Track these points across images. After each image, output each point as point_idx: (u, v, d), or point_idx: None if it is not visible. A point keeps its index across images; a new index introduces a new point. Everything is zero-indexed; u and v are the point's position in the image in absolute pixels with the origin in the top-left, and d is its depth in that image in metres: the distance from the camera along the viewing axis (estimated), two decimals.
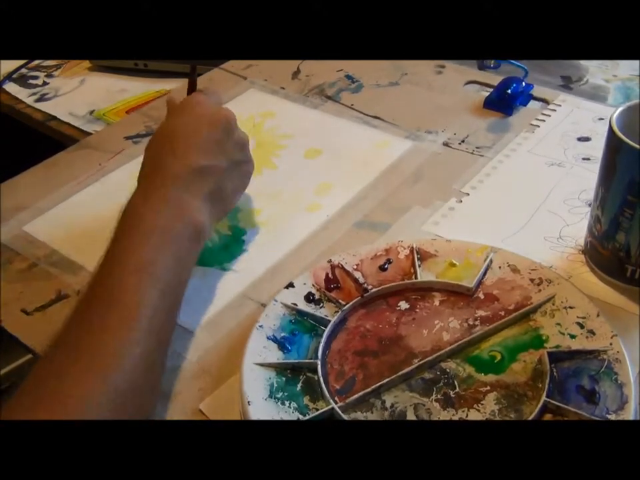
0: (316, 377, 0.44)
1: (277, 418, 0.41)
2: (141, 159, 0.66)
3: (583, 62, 0.78)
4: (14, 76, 0.87)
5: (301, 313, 0.48)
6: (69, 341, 0.40)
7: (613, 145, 0.46)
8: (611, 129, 0.46)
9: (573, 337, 0.44)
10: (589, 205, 0.54)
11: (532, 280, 0.48)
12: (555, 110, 0.69)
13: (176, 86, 0.81)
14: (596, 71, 0.76)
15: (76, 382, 0.37)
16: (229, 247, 0.56)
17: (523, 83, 0.70)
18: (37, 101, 0.82)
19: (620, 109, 0.47)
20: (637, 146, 0.44)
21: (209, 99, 0.55)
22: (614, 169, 0.46)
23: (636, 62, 0.76)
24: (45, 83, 0.85)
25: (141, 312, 0.41)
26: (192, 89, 0.59)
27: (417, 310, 0.48)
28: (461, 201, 0.59)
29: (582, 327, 0.45)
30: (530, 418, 0.40)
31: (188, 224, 0.47)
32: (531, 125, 0.67)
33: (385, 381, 0.43)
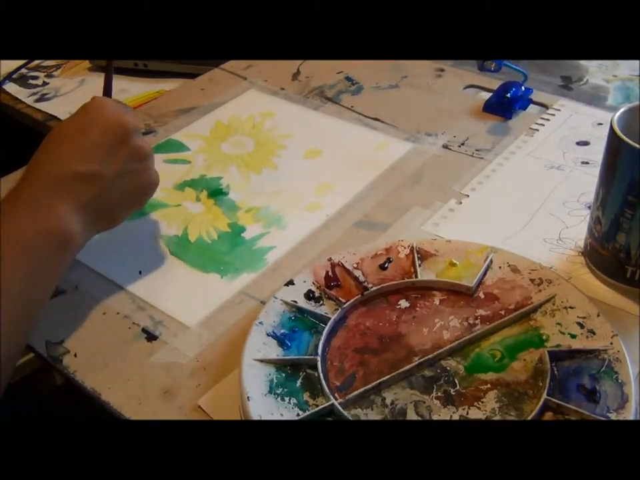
0: (316, 374, 0.43)
1: (277, 414, 0.41)
2: None
3: (583, 62, 0.79)
4: (14, 76, 0.87)
5: (300, 310, 0.48)
6: None
7: (614, 145, 0.46)
8: (612, 130, 0.46)
9: (573, 336, 0.44)
10: (588, 207, 0.55)
11: (532, 280, 0.48)
12: (554, 114, 0.69)
13: (176, 86, 0.81)
14: (596, 71, 0.77)
15: None
16: (229, 244, 0.56)
17: (523, 87, 0.70)
18: (37, 101, 0.82)
19: (621, 111, 0.47)
20: (638, 146, 0.44)
21: (114, 103, 0.51)
22: (614, 169, 0.46)
23: (636, 62, 0.76)
24: (45, 83, 0.85)
25: None
26: (106, 90, 0.56)
27: (417, 308, 0.48)
28: (461, 203, 0.59)
29: (582, 326, 0.45)
30: (530, 416, 0.40)
31: (52, 236, 0.44)
32: (531, 128, 0.67)
33: (385, 377, 0.43)
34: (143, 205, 0.52)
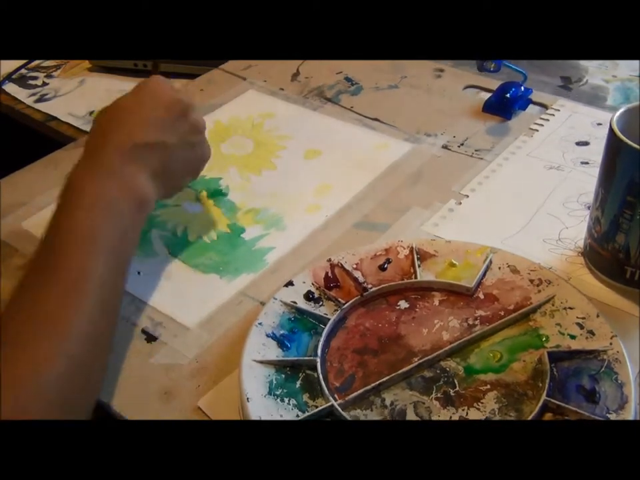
0: (315, 375, 0.43)
1: (276, 415, 0.41)
2: None
3: (582, 62, 0.78)
4: (14, 76, 0.87)
5: (300, 311, 0.48)
6: (20, 309, 0.40)
7: (614, 145, 0.46)
8: (611, 130, 0.46)
9: (572, 337, 0.44)
10: (588, 208, 0.55)
11: (531, 280, 0.48)
12: (553, 114, 0.69)
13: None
14: (595, 71, 0.77)
15: (28, 348, 0.37)
16: (228, 245, 0.56)
17: (522, 87, 0.70)
18: (37, 101, 0.82)
19: (620, 111, 0.47)
20: (637, 147, 0.44)
21: (169, 82, 0.54)
22: (614, 170, 0.46)
23: (636, 62, 0.76)
24: (44, 84, 0.85)
25: (86, 281, 0.41)
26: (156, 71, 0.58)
27: (417, 309, 0.48)
28: (460, 203, 0.59)
29: (582, 327, 0.45)
30: (530, 417, 0.40)
31: (132, 196, 0.47)
32: (530, 129, 0.67)
33: (384, 378, 0.43)
34: (197, 175, 0.55)
